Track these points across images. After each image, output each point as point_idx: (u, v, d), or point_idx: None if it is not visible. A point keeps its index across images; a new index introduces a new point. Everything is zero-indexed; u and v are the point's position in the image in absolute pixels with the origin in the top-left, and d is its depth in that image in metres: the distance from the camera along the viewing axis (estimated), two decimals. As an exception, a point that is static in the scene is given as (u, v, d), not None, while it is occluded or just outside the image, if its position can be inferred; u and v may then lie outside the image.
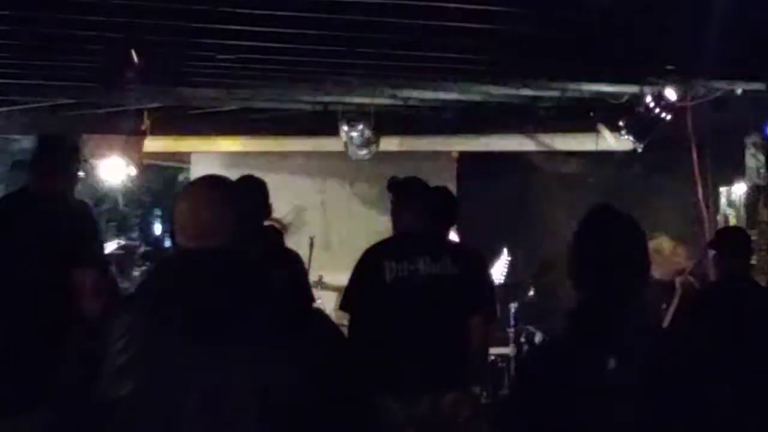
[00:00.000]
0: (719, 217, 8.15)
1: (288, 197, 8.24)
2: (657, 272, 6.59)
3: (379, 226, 5.45)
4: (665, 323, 5.68)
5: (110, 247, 8.85)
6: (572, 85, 7.02)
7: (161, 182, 13.73)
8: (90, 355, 2.61)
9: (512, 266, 7.85)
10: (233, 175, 3.42)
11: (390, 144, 8.31)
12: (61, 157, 4.44)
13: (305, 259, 5.70)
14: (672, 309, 5.83)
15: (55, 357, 3.98)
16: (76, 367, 3.79)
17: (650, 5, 4.98)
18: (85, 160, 9.06)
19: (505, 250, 7.78)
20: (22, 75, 6.79)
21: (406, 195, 4.71)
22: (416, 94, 7.41)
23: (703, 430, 2.37)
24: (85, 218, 4.38)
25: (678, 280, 5.92)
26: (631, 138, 7.33)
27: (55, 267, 4.06)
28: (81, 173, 4.72)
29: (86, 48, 5.81)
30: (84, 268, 4.07)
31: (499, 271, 7.68)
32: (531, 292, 7.76)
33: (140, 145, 8.67)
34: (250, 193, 4.55)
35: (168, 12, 4.99)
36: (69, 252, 4.08)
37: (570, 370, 2.37)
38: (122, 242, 9.57)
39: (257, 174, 4.90)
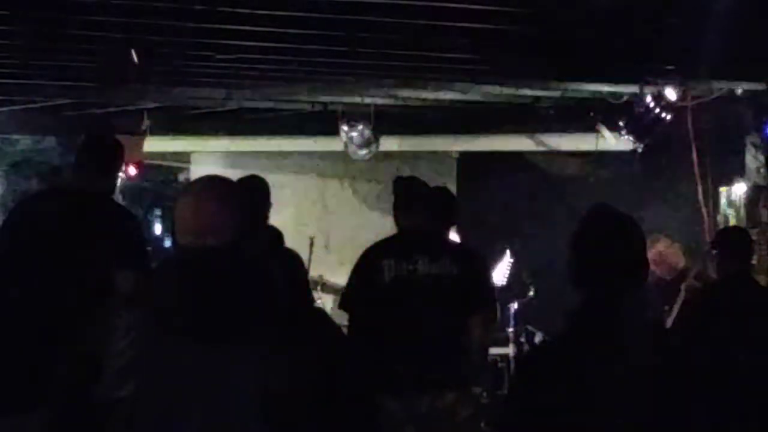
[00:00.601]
0: (719, 217, 8.15)
1: (288, 197, 8.24)
2: (658, 273, 6.60)
3: (378, 226, 5.46)
4: (667, 325, 5.66)
5: None
6: (572, 85, 7.02)
7: (161, 182, 13.72)
8: (90, 355, 2.61)
9: (513, 266, 7.85)
10: (233, 175, 3.42)
11: (390, 144, 8.31)
12: (105, 158, 4.37)
13: (305, 259, 5.70)
14: (675, 312, 5.82)
15: (55, 357, 3.97)
16: (77, 367, 3.78)
17: (650, 5, 4.98)
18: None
19: (508, 252, 7.78)
20: (22, 75, 6.79)
21: (407, 195, 4.71)
22: (416, 94, 7.41)
23: (703, 431, 2.37)
24: (129, 219, 4.34)
25: (684, 285, 5.91)
26: (631, 138, 7.33)
27: (86, 267, 3.99)
28: (121, 174, 4.64)
29: (86, 48, 5.81)
30: (127, 270, 4.00)
31: (501, 272, 7.67)
32: (531, 292, 7.76)
33: (140, 145, 8.67)
34: (253, 193, 4.54)
35: (168, 12, 4.99)
36: (111, 253, 4.01)
37: (570, 370, 2.37)
38: None
39: (257, 174, 4.90)
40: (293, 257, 4.83)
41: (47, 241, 4.07)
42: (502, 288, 7.48)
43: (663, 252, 6.69)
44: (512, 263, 7.78)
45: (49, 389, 3.91)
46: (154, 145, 8.71)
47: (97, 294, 3.91)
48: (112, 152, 4.41)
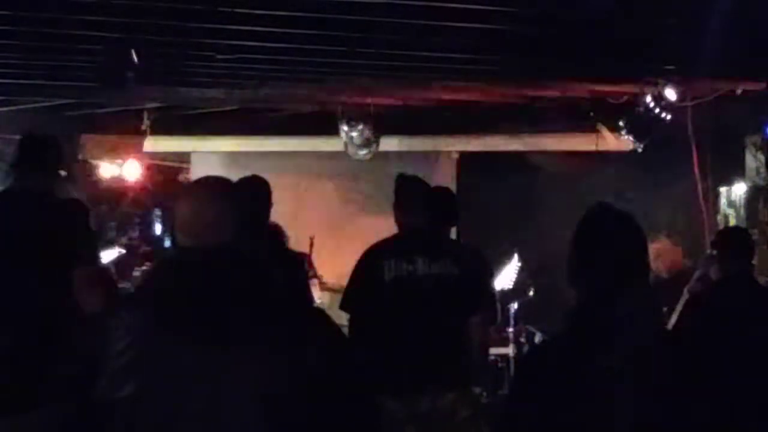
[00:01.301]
0: (719, 217, 8.16)
1: (288, 197, 8.23)
2: (655, 272, 6.60)
3: (379, 226, 5.44)
4: (668, 326, 5.66)
5: (111, 255, 8.85)
6: (572, 85, 7.02)
7: (161, 182, 13.71)
8: (90, 354, 2.61)
9: (519, 269, 7.84)
10: (233, 175, 3.42)
11: (390, 144, 8.31)
12: (44, 156, 4.39)
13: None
14: (676, 313, 5.81)
15: (55, 357, 3.98)
16: (76, 367, 3.78)
17: (650, 5, 4.98)
18: (80, 160, 9.08)
19: (516, 255, 7.77)
20: (22, 75, 6.79)
21: (407, 194, 4.71)
22: (416, 94, 7.41)
23: (702, 430, 2.37)
24: (75, 215, 4.34)
25: (686, 288, 5.91)
26: (631, 138, 7.34)
27: (50, 265, 4.02)
28: (63, 172, 4.65)
29: (86, 48, 5.81)
30: (79, 265, 4.02)
31: (508, 276, 7.66)
32: (531, 292, 7.75)
33: (140, 145, 8.68)
34: (253, 194, 4.54)
35: (168, 12, 4.99)
36: (62, 249, 4.04)
37: (570, 370, 2.37)
38: (122, 251, 9.52)
39: (257, 174, 4.90)
40: (294, 257, 4.83)
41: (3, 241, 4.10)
42: (507, 290, 7.49)
43: (661, 251, 6.69)
44: (519, 266, 7.77)
45: (49, 389, 3.91)
46: (154, 145, 8.70)
47: (53, 291, 3.93)
48: (50, 150, 4.43)
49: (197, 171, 8.91)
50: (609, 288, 2.42)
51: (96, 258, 4.36)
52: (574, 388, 2.35)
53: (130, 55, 5.58)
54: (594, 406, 2.33)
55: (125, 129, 8.41)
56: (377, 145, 7.88)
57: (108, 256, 8.56)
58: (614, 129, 7.50)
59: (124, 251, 9.53)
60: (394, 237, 4.71)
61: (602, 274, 2.44)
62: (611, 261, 2.44)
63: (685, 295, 5.84)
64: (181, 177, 11.02)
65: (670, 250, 6.80)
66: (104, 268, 4.62)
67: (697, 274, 5.95)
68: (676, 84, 6.63)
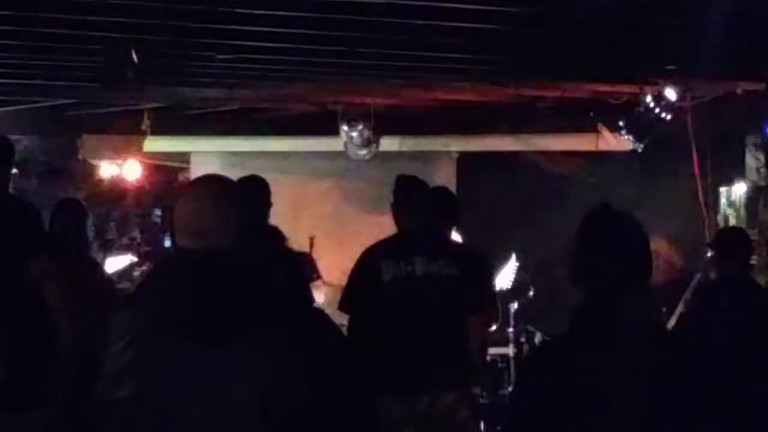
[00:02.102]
0: (719, 217, 8.16)
1: (288, 197, 8.24)
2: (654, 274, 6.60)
3: (378, 226, 5.44)
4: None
5: (122, 262, 8.88)
6: (572, 85, 7.02)
7: (161, 182, 13.73)
8: (89, 354, 2.61)
9: (517, 270, 7.84)
10: (233, 175, 3.42)
11: (390, 144, 8.31)
12: None
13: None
14: (674, 317, 5.82)
15: (54, 357, 3.97)
16: (76, 367, 3.78)
17: (650, 5, 4.98)
18: (80, 160, 9.09)
19: (514, 256, 7.77)
20: (22, 75, 6.79)
21: (407, 195, 4.71)
22: (416, 94, 7.41)
23: (703, 430, 2.37)
24: (23, 208, 4.26)
25: (683, 297, 5.91)
26: (631, 138, 7.34)
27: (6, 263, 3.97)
28: (14, 170, 4.56)
29: (86, 48, 5.81)
30: (37, 256, 3.97)
31: (506, 276, 7.66)
32: (531, 292, 7.75)
33: (140, 145, 8.68)
34: (252, 194, 4.54)
35: (168, 12, 4.99)
36: (20, 247, 3.99)
37: (571, 369, 2.37)
38: (134, 259, 9.52)
39: (257, 174, 4.89)
40: (294, 257, 4.82)
41: None
42: (506, 290, 7.49)
43: (659, 254, 6.70)
44: (518, 267, 7.77)
45: (49, 389, 3.91)
46: (154, 145, 8.71)
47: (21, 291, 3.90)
48: None
49: (197, 171, 8.91)
50: (612, 288, 2.42)
51: (51, 247, 4.24)
52: (576, 388, 2.35)
53: (130, 55, 5.58)
54: (596, 406, 2.33)
55: (125, 129, 8.41)
56: (377, 145, 7.89)
57: (118, 263, 8.58)
58: (614, 129, 7.51)
59: (135, 260, 9.52)
60: (393, 237, 4.71)
61: (605, 275, 2.44)
62: (614, 261, 2.44)
63: (681, 306, 5.84)
64: (181, 177, 11.02)
65: (667, 251, 6.81)
66: (75, 266, 4.56)
67: (694, 280, 5.96)
68: (676, 84, 6.64)
